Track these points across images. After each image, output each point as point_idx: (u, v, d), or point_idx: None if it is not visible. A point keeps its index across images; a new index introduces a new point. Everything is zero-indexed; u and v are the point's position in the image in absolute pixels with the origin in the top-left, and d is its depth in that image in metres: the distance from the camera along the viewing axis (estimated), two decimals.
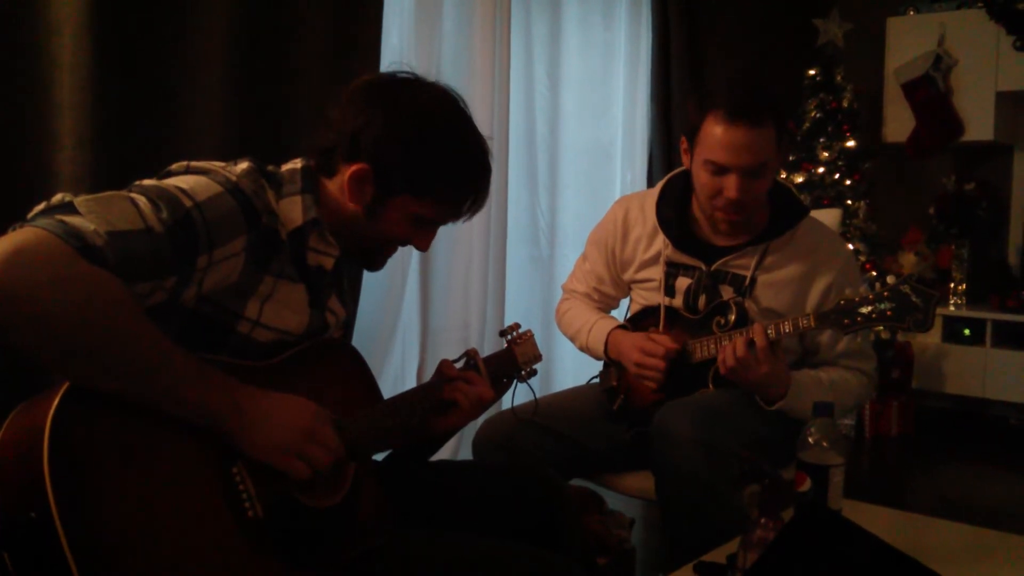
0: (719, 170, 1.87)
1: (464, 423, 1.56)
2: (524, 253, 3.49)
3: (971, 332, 4.42)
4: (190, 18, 2.14)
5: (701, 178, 1.92)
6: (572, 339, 2.24)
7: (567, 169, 3.62)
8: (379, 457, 1.62)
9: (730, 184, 1.86)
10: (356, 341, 2.74)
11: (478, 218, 2.99)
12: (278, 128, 2.32)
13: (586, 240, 2.26)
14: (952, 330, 4.48)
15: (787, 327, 1.83)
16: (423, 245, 1.44)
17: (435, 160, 1.35)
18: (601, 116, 3.79)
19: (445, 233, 3.04)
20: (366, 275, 2.68)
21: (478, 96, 3.01)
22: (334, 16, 2.44)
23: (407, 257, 2.93)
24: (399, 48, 2.84)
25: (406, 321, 2.99)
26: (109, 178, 1.88)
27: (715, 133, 1.85)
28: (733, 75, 3.79)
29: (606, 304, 2.27)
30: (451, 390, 1.52)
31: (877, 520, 1.46)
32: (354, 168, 1.33)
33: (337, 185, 1.37)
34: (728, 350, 1.83)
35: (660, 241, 2.07)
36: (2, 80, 1.88)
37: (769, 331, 1.83)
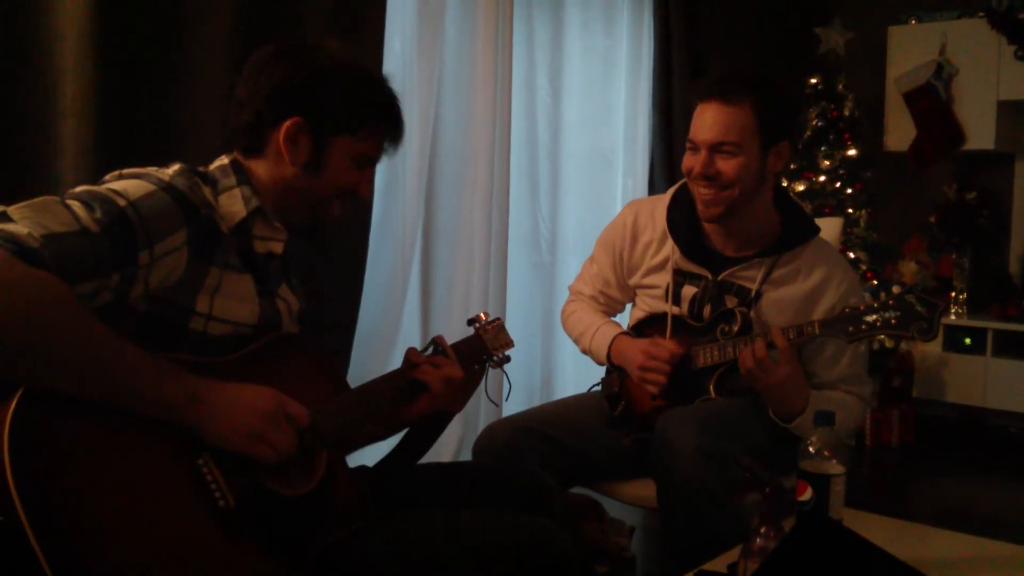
0: (693, 149, 1.93)
1: (437, 406, 1.56)
2: (525, 259, 3.49)
3: (972, 341, 4.41)
4: (192, 26, 2.15)
5: (683, 161, 1.98)
6: (576, 341, 2.25)
7: (568, 176, 3.63)
8: (371, 463, 1.62)
9: (697, 158, 1.91)
10: (357, 347, 2.73)
11: (480, 224, 3.03)
12: None
13: (595, 242, 2.26)
14: (953, 339, 4.47)
15: (792, 333, 1.84)
16: (366, 190, 1.47)
17: (360, 90, 1.40)
18: (603, 123, 3.79)
19: (446, 238, 3.05)
20: (366, 282, 2.68)
21: (480, 103, 3.00)
22: (336, 23, 2.44)
23: (408, 262, 2.93)
24: (401, 55, 2.84)
25: (407, 327, 2.98)
26: None
27: (695, 115, 1.93)
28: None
29: (611, 308, 2.26)
30: (418, 372, 1.52)
31: (878, 529, 1.46)
32: (286, 124, 1.36)
33: (268, 159, 1.39)
34: (747, 352, 1.84)
35: (668, 247, 2.07)
36: (5, 86, 1.88)
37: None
